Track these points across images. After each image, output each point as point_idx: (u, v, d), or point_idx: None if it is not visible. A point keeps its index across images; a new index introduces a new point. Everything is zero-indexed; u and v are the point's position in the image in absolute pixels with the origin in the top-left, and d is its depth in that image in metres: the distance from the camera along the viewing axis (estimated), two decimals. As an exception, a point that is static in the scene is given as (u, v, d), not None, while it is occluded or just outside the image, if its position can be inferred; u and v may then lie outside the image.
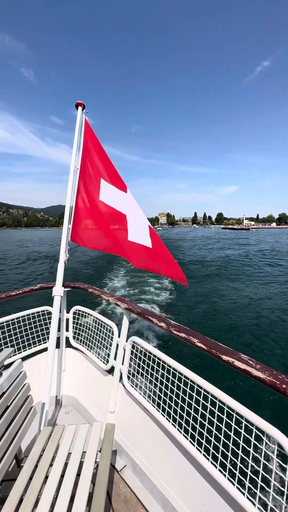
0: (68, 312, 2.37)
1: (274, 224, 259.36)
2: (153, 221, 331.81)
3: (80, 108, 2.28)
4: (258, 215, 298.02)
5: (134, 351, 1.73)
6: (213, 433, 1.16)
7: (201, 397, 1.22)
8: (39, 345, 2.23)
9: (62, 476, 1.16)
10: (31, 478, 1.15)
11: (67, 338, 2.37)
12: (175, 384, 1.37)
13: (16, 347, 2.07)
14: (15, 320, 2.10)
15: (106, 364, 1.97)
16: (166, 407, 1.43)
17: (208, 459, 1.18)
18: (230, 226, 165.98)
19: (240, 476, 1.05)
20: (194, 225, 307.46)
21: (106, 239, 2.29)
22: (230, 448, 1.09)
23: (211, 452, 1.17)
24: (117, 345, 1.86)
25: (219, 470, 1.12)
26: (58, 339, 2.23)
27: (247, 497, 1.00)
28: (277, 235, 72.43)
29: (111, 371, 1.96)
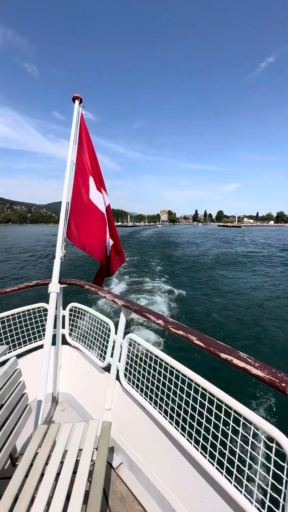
0: (64, 309, 2.35)
1: (272, 222, 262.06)
2: (155, 218, 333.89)
3: (77, 101, 2.24)
4: (257, 213, 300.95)
5: (131, 348, 1.71)
6: (211, 431, 1.15)
7: (199, 395, 1.21)
8: (34, 342, 2.21)
9: (58, 474, 1.15)
10: (26, 477, 1.13)
11: (63, 335, 2.34)
12: (172, 382, 1.36)
13: (11, 344, 2.05)
14: (10, 317, 2.07)
15: (102, 362, 1.95)
16: (163, 405, 1.42)
17: (205, 457, 1.17)
18: (225, 224, 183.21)
19: (238, 474, 1.04)
20: (195, 222, 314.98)
21: (91, 241, 2.32)
22: (228, 446, 1.08)
23: (208, 449, 1.16)
24: (114, 342, 1.84)
25: (216, 467, 1.11)
26: (54, 336, 2.21)
27: (244, 495, 1.00)
28: (260, 231, 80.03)
29: (107, 368, 1.95)
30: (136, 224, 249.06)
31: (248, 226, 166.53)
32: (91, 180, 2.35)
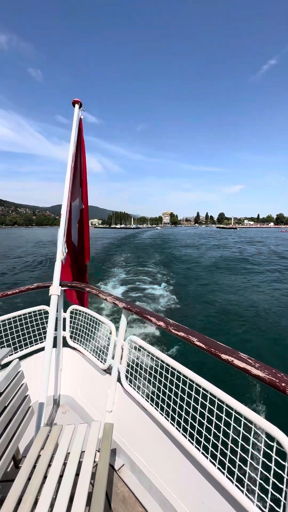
0: (65, 311, 2.36)
1: (272, 224, 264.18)
2: (157, 220, 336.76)
3: (77, 106, 2.27)
4: (258, 215, 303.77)
5: (132, 350, 1.72)
6: (212, 431, 1.15)
7: (200, 395, 1.22)
8: (36, 344, 2.21)
9: (61, 476, 1.15)
10: (29, 479, 1.14)
11: (64, 338, 2.35)
12: (174, 383, 1.37)
13: (13, 347, 2.06)
14: (12, 320, 2.08)
15: (103, 364, 1.95)
16: (165, 406, 1.42)
17: (206, 457, 1.17)
18: (222, 226, 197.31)
19: (239, 474, 1.04)
20: (196, 224, 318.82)
21: (80, 245, 2.33)
22: (229, 446, 1.09)
23: (209, 450, 1.16)
24: (115, 344, 1.85)
25: (218, 468, 1.12)
26: (55, 338, 2.22)
27: (246, 495, 1.00)
28: (243, 232, 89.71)
29: (108, 370, 1.95)
30: (139, 226, 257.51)
31: (244, 228, 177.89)
32: (84, 184, 2.44)
